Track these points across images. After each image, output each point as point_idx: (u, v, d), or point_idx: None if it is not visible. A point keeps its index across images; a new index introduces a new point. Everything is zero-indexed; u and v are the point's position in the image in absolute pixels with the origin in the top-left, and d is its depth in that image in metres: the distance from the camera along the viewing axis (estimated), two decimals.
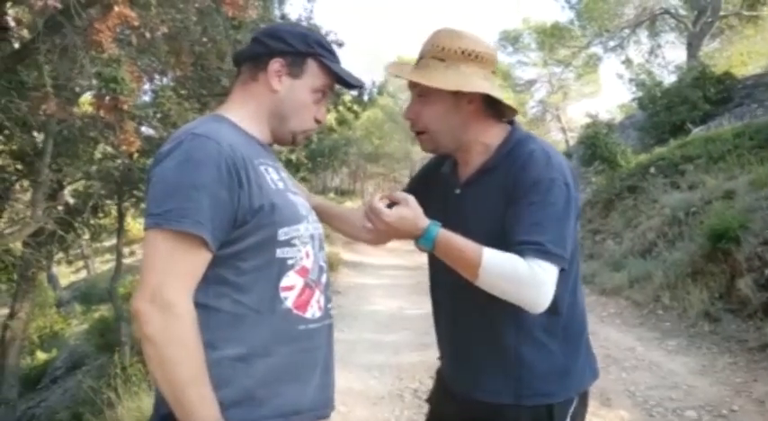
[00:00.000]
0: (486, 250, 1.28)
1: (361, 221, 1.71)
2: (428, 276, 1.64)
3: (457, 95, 1.41)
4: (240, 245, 1.21)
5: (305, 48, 1.35)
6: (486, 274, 1.28)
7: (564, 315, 1.43)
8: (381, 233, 1.36)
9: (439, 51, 1.42)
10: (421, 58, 1.46)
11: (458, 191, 1.50)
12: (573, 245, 1.39)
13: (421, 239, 1.32)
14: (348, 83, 1.43)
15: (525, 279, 1.26)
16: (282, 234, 1.25)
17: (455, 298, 1.49)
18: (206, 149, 1.18)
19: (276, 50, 1.34)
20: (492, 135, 1.48)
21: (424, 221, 1.32)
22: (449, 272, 1.36)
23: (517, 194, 1.35)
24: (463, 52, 1.41)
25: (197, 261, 1.16)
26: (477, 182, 1.46)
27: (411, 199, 1.33)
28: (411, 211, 1.32)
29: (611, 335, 5.62)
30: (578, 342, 1.49)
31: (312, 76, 1.37)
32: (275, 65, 1.34)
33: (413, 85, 1.46)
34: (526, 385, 1.41)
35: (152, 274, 1.14)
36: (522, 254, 1.28)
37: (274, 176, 1.30)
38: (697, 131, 10.69)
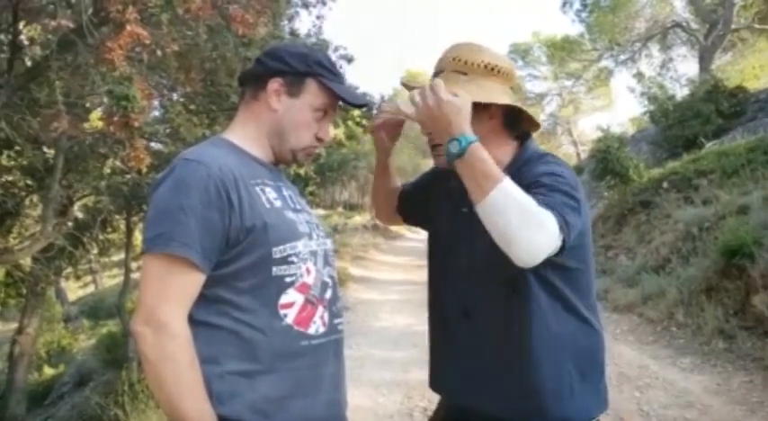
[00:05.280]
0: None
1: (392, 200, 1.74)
2: (443, 294, 1.57)
3: (479, 110, 1.39)
4: (235, 265, 1.24)
5: (303, 68, 1.37)
6: (501, 194, 1.21)
7: (586, 338, 1.42)
8: (422, 114, 1.29)
9: (461, 65, 1.39)
10: (440, 71, 1.43)
11: (465, 209, 1.45)
12: (590, 271, 1.40)
13: (457, 138, 1.25)
14: (352, 101, 1.43)
15: (534, 215, 1.20)
16: (277, 252, 1.27)
17: (482, 309, 1.43)
18: (195, 173, 1.22)
19: (275, 70, 1.37)
20: (505, 152, 1.46)
21: (468, 124, 1.27)
22: (484, 285, 1.35)
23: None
24: (486, 66, 1.39)
25: (189, 282, 1.20)
26: None
27: (469, 100, 1.29)
28: (465, 106, 1.26)
29: (624, 352, 5.53)
30: (598, 369, 1.47)
31: (311, 95, 1.38)
32: (274, 84, 1.37)
33: None
34: (541, 405, 1.38)
35: (147, 296, 1.19)
36: None
37: (271, 195, 1.32)
38: (710, 146, 10.58)
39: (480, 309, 1.43)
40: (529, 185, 1.30)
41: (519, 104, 1.42)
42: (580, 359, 1.42)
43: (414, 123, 1.44)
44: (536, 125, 1.51)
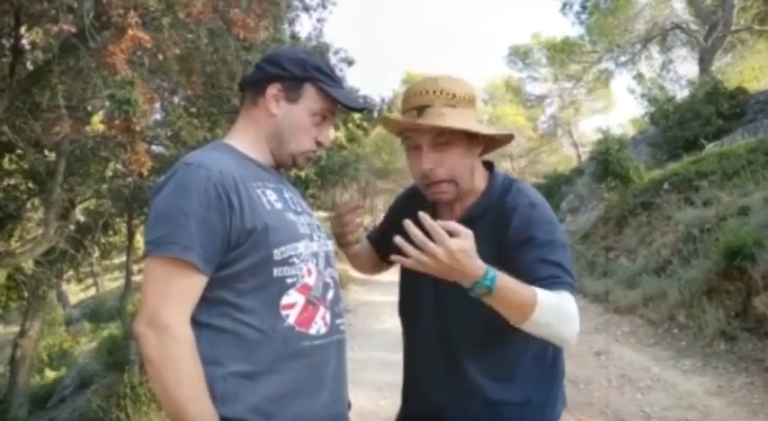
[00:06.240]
0: (535, 287, 1.24)
1: (370, 256, 1.73)
2: (415, 311, 1.56)
3: (470, 141, 1.41)
4: (237, 266, 1.25)
5: (302, 73, 1.38)
6: (540, 314, 1.22)
7: (551, 351, 1.47)
8: (429, 266, 1.14)
9: (450, 99, 1.39)
10: (427, 106, 1.39)
11: None
12: None
13: (482, 281, 1.16)
14: (350, 106, 1.45)
15: (570, 314, 1.28)
16: (278, 253, 1.27)
17: (462, 327, 1.44)
18: (195, 177, 1.23)
19: (273, 76, 1.38)
20: (480, 179, 1.49)
21: (478, 259, 1.16)
22: (457, 304, 1.34)
23: (516, 241, 1.35)
24: (466, 97, 1.41)
25: (190, 284, 1.21)
26: None
27: (471, 234, 1.15)
28: (471, 245, 1.14)
29: (625, 354, 5.54)
30: (558, 376, 1.52)
31: (310, 100, 1.39)
32: (272, 90, 1.38)
33: (430, 136, 1.39)
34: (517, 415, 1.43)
35: (149, 299, 1.20)
36: (550, 288, 1.27)
37: (272, 197, 1.33)
38: (710, 147, 10.59)
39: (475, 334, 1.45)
40: (523, 241, 1.34)
41: (502, 133, 1.46)
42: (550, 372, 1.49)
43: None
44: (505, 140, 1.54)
